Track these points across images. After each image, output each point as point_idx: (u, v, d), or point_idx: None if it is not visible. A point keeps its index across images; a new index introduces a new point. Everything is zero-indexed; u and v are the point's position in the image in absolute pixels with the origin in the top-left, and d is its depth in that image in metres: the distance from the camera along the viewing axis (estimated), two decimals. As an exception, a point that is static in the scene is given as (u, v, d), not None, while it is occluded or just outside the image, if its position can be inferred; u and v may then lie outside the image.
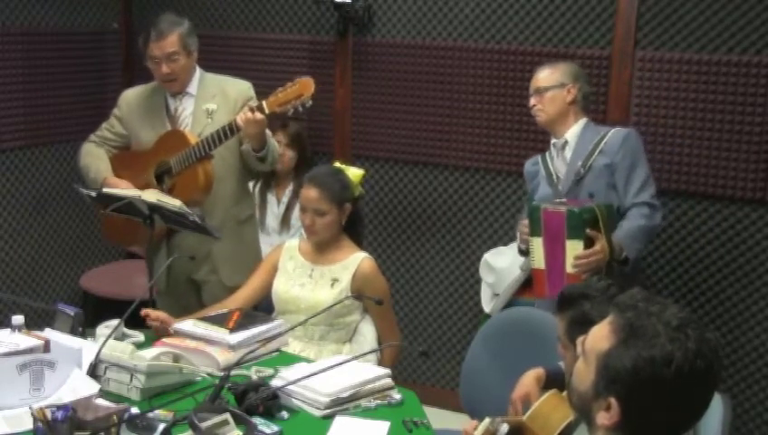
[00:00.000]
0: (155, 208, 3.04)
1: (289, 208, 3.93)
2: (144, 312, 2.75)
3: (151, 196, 3.06)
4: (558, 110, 3.17)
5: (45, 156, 4.38)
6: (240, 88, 3.37)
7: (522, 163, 3.84)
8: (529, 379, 2.33)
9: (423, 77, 4.02)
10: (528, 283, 3.49)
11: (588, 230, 2.88)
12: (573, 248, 2.90)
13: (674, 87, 3.52)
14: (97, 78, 4.60)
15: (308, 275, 2.94)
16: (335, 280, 2.89)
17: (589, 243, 2.89)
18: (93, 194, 3.17)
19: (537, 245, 3.02)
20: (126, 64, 4.74)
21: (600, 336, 1.48)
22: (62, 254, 4.53)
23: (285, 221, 3.95)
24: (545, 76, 3.20)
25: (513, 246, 3.65)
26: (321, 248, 2.96)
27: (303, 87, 3.02)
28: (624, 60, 3.57)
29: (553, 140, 3.24)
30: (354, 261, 2.91)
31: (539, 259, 3.03)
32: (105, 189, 3.16)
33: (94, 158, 3.42)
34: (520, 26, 3.80)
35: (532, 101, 3.22)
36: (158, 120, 3.35)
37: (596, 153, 3.10)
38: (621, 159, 3.07)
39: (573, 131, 3.19)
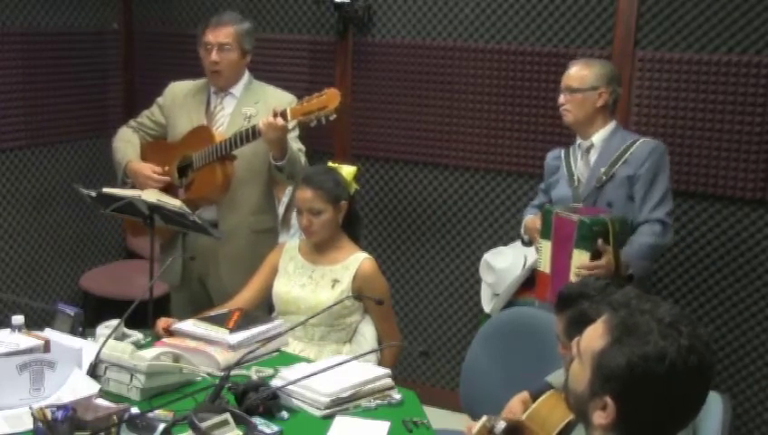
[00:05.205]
0: (155, 208, 3.04)
1: (288, 209, 3.94)
2: (161, 325, 2.77)
3: (151, 196, 3.06)
4: (586, 113, 3.06)
5: (45, 156, 4.38)
6: (283, 99, 3.33)
7: (521, 163, 3.86)
8: (514, 402, 2.34)
9: (423, 77, 4.02)
10: (528, 283, 3.49)
11: (599, 242, 2.83)
12: (579, 258, 2.87)
13: (674, 87, 3.52)
14: (97, 78, 4.60)
15: (308, 276, 2.94)
16: (336, 281, 2.89)
17: (596, 255, 2.85)
18: (93, 194, 3.17)
19: (545, 248, 3.00)
20: (126, 64, 4.74)
21: (593, 336, 1.49)
22: (61, 254, 4.53)
23: (285, 221, 3.95)
24: (579, 76, 3.07)
25: (514, 246, 3.65)
26: (321, 248, 2.96)
27: (329, 99, 2.95)
28: (624, 60, 3.57)
29: (579, 141, 3.16)
30: (355, 262, 2.91)
31: (545, 263, 3.01)
32: (105, 189, 3.16)
33: (125, 142, 3.46)
34: (520, 26, 3.80)
35: (562, 99, 3.10)
36: (196, 116, 3.37)
37: (620, 162, 3.02)
38: (645, 171, 2.99)
39: (600, 135, 3.09)
